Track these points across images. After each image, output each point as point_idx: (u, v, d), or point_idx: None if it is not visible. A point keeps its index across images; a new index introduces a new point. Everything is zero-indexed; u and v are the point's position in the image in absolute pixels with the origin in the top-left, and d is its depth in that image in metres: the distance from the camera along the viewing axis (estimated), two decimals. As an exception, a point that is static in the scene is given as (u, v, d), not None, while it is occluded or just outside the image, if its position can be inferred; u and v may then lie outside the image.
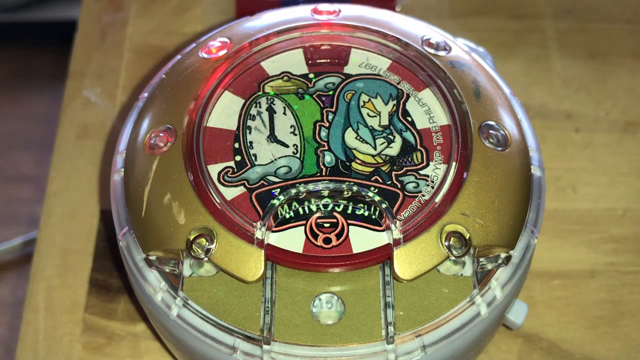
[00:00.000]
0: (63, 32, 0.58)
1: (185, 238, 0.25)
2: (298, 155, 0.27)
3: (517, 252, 0.26)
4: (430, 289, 0.25)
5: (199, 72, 0.29)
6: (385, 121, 0.28)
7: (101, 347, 0.32)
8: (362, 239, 0.25)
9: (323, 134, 0.28)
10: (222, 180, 0.27)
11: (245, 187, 0.26)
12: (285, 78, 0.29)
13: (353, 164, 0.27)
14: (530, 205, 0.27)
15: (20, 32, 0.81)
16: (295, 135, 0.28)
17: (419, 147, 0.27)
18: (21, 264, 0.64)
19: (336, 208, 0.26)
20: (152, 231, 0.26)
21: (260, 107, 0.29)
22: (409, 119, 0.28)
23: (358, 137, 0.28)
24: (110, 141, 0.38)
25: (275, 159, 0.27)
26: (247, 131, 0.28)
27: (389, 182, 0.26)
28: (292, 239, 0.25)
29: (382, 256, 0.25)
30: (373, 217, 0.26)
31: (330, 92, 0.29)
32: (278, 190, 0.26)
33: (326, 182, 0.26)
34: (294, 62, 0.30)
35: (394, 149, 0.27)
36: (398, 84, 0.29)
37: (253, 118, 0.28)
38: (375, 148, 0.27)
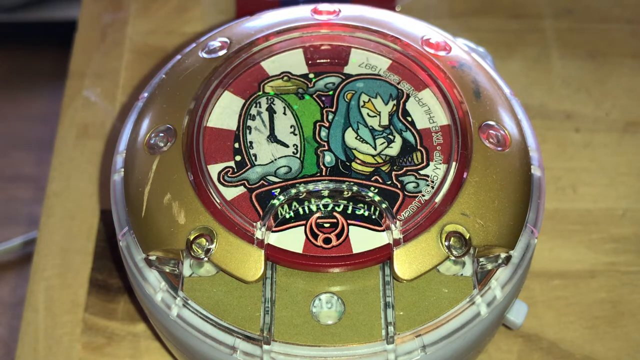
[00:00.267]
0: (63, 32, 0.58)
1: (185, 238, 0.25)
2: (298, 155, 0.27)
3: (517, 252, 0.26)
4: (430, 289, 0.25)
5: (199, 72, 0.29)
6: (385, 121, 0.28)
7: (101, 347, 0.32)
8: (362, 239, 0.25)
9: (323, 134, 0.28)
10: (222, 180, 0.27)
11: (245, 187, 0.26)
12: (285, 78, 0.29)
13: (353, 164, 0.27)
14: (530, 205, 0.27)
15: (20, 32, 0.81)
16: (295, 135, 0.28)
17: (419, 147, 0.27)
18: (21, 264, 0.64)
19: (336, 208, 0.26)
20: (152, 231, 0.26)
21: (260, 107, 0.29)
22: (409, 119, 0.28)
23: (358, 137, 0.28)
24: (110, 141, 0.38)
25: (275, 159, 0.27)
26: (247, 131, 0.28)
27: (389, 182, 0.26)
28: (292, 239, 0.25)
29: (382, 256, 0.25)
30: (373, 217, 0.26)
31: (330, 92, 0.29)
32: (278, 190, 0.26)
33: (326, 182, 0.26)
34: (294, 62, 0.30)
35: (394, 149, 0.27)
36: (398, 84, 0.29)
37: (253, 118, 0.28)
38: (375, 148, 0.27)
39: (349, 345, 0.24)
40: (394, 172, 0.27)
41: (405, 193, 0.26)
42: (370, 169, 0.27)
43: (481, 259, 0.25)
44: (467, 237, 0.25)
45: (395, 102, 0.29)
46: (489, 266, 0.26)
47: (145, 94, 0.30)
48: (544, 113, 0.39)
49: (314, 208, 0.26)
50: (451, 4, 0.44)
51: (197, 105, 0.28)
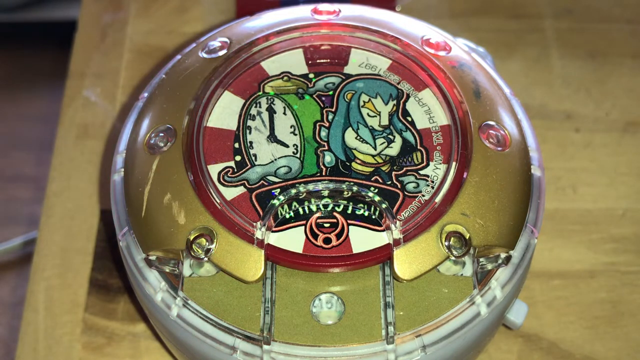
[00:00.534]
0: (63, 32, 0.58)
1: (185, 238, 0.25)
2: (298, 155, 0.27)
3: (517, 252, 0.26)
4: (430, 289, 0.25)
5: (199, 72, 0.29)
6: (385, 121, 0.28)
7: (101, 347, 0.32)
8: (362, 239, 0.25)
9: (323, 134, 0.28)
10: (222, 180, 0.27)
11: (245, 187, 0.26)
12: (285, 78, 0.29)
13: (353, 164, 0.27)
14: (530, 205, 0.27)
15: (20, 32, 0.81)
16: (295, 135, 0.28)
17: (419, 147, 0.27)
18: (21, 264, 0.64)
19: (336, 208, 0.26)
20: (152, 231, 0.26)
21: (260, 107, 0.29)
22: (409, 119, 0.28)
23: (358, 137, 0.28)
24: (110, 141, 0.38)
25: (275, 159, 0.27)
26: (247, 131, 0.28)
27: (389, 182, 0.26)
28: (292, 239, 0.25)
29: (382, 256, 0.25)
30: (373, 217, 0.26)
31: (330, 92, 0.29)
32: (278, 190, 0.26)
33: (326, 182, 0.26)
34: (294, 62, 0.30)
35: (394, 149, 0.27)
36: (398, 84, 0.29)
37: (253, 118, 0.28)
38: (375, 148, 0.27)
39: (349, 345, 0.24)
40: (394, 172, 0.27)
41: (405, 193, 0.26)
42: (370, 169, 0.27)
43: (481, 259, 0.25)
44: (467, 237, 0.25)
45: (395, 102, 0.29)
46: (489, 266, 0.26)
47: (145, 94, 0.30)
48: (544, 113, 0.39)
49: (314, 208, 0.26)
50: (451, 4, 0.44)
51: (197, 105, 0.28)
